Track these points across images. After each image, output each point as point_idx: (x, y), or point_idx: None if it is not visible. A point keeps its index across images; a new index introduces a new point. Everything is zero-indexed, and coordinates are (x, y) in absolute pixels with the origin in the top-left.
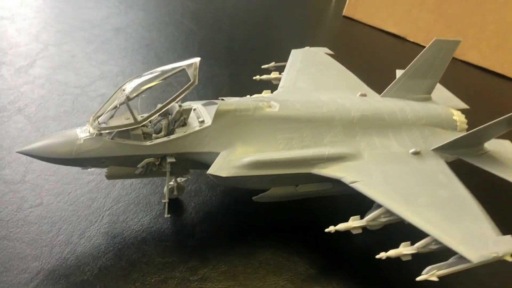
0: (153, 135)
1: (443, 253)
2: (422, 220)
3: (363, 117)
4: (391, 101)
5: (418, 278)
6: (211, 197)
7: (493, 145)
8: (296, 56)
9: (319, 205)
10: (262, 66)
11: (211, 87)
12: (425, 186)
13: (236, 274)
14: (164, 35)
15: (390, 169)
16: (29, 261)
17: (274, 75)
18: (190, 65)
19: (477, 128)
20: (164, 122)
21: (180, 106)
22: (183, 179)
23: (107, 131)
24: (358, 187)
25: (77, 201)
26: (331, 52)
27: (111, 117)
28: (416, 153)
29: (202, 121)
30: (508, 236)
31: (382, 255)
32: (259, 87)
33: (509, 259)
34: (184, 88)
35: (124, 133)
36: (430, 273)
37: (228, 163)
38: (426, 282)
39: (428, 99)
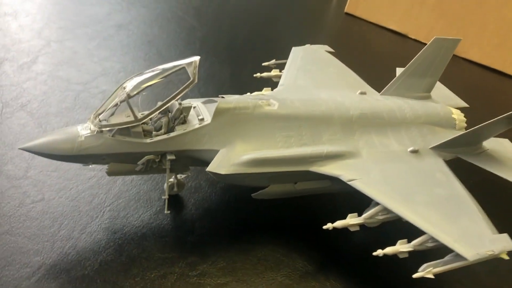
0: (153, 132)
1: (440, 251)
2: (419, 218)
3: (362, 115)
4: (390, 99)
5: (414, 275)
6: (211, 194)
7: (491, 143)
8: (297, 53)
9: (319, 203)
10: (263, 64)
11: (212, 84)
12: (422, 185)
13: (234, 270)
14: (166, 32)
15: (388, 167)
16: (31, 255)
17: (274, 72)
18: (190, 64)
19: (475, 127)
20: (164, 120)
21: (180, 104)
22: (183, 176)
23: (107, 128)
24: (356, 185)
25: (79, 196)
26: (332, 50)
27: (112, 114)
28: (414, 152)
29: (202, 119)
30: (505, 235)
31: (379, 252)
32: (259, 84)
33: (505, 257)
34: (184, 86)
35: (124, 130)
36: (426, 271)
37: (227, 160)
38: (423, 279)
39: (428, 97)
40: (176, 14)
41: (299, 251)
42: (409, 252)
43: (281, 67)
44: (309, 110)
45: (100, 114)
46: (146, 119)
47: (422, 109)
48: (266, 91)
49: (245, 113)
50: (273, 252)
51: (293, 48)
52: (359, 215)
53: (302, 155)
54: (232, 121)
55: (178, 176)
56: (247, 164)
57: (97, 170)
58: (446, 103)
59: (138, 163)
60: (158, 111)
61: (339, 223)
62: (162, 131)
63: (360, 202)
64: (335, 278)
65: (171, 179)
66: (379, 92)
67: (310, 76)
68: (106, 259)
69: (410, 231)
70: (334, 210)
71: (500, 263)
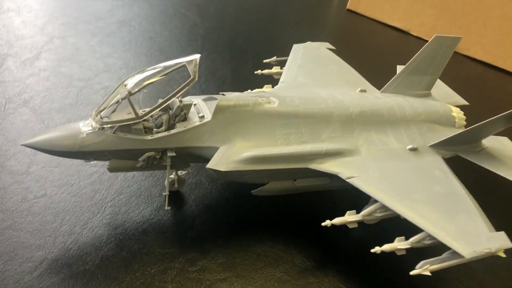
0: (154, 129)
1: (438, 248)
2: (417, 215)
3: (362, 113)
4: (390, 97)
5: (411, 272)
6: (211, 190)
7: (491, 141)
8: (298, 51)
9: (319, 200)
10: (264, 61)
11: (213, 80)
12: (421, 182)
13: (234, 265)
14: (168, 28)
15: (387, 165)
16: (33, 250)
17: (275, 69)
18: (190, 62)
19: (475, 125)
20: (165, 117)
21: (180, 101)
22: (183, 172)
23: (109, 125)
24: (355, 183)
25: (80, 192)
26: (333, 47)
27: (113, 111)
28: (413, 149)
29: (202, 116)
30: (502, 233)
31: (377, 249)
32: (260, 81)
33: (502, 254)
34: (184, 84)
35: (125, 127)
36: (423, 268)
37: (227, 157)
38: (421, 276)
39: (428, 95)
40: (178, 11)
41: (298, 247)
42: (407, 249)
43: (282, 64)
44: (309, 108)
45: (101, 111)
46: (147, 116)
47: (421, 107)
48: (267, 88)
49: (245, 111)
50: (272, 248)
51: (294, 45)
52: (358, 212)
53: (301, 152)
54: (232, 118)
55: (179, 172)
56: (247, 161)
57: (99, 166)
58: (446, 100)
59: (139, 159)
60: (159, 109)
61: (337, 220)
62: (163, 128)
63: (359, 199)
64: (333, 275)
65: (172, 176)
66: (380, 89)
67: (310, 74)
68: (107, 254)
69: (408, 229)
70: (333, 207)
71: (498, 261)
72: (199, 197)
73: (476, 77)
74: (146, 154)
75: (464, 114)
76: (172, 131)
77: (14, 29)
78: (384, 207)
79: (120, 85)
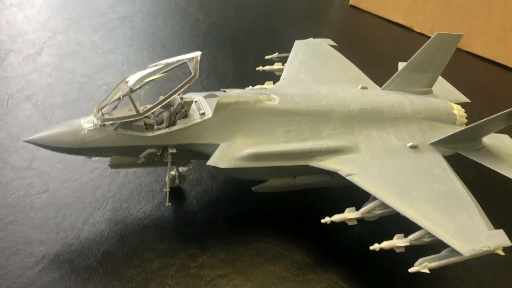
0: (155, 126)
1: (437, 246)
2: (416, 213)
3: (362, 110)
4: (391, 94)
5: (410, 270)
6: (212, 187)
7: (491, 139)
8: (299, 47)
9: (319, 197)
10: (266, 57)
11: (215, 76)
12: (421, 180)
13: (234, 261)
14: (170, 24)
15: (387, 162)
16: (35, 245)
17: (277, 66)
18: (191, 59)
19: (475, 123)
20: (165, 114)
21: (181, 98)
22: (184, 169)
23: (110, 122)
24: (354, 180)
25: (82, 188)
26: (334, 44)
27: (115, 108)
28: (413, 147)
29: (203, 113)
30: (500, 231)
31: (376, 246)
32: (262, 77)
33: (501, 253)
34: (185, 81)
35: (126, 124)
36: (422, 265)
37: (228, 154)
38: (420, 273)
39: (429, 92)
40: (180, 7)
41: (298, 244)
42: (406, 246)
43: (283, 60)
44: (309, 105)
45: (103, 107)
46: (148, 113)
47: (422, 104)
48: (268, 85)
49: (246, 108)
50: (272, 245)
51: (296, 42)
52: (357, 209)
53: (302, 149)
54: (233, 115)
55: (180, 169)
56: (247, 159)
57: (100, 162)
58: (447, 98)
59: (140, 156)
60: (160, 105)
61: (337, 217)
62: (164, 125)
63: (359, 196)
64: (332, 271)
65: (173, 172)
66: (381, 86)
67: (312, 70)
68: (108, 250)
69: (407, 226)
70: (333, 204)
71: (497, 259)
72: (199, 194)
73: (478, 74)
74: (147, 150)
75: (465, 112)
76: (173, 128)
77: (16, 24)
78: (383, 205)
79: (121, 82)
